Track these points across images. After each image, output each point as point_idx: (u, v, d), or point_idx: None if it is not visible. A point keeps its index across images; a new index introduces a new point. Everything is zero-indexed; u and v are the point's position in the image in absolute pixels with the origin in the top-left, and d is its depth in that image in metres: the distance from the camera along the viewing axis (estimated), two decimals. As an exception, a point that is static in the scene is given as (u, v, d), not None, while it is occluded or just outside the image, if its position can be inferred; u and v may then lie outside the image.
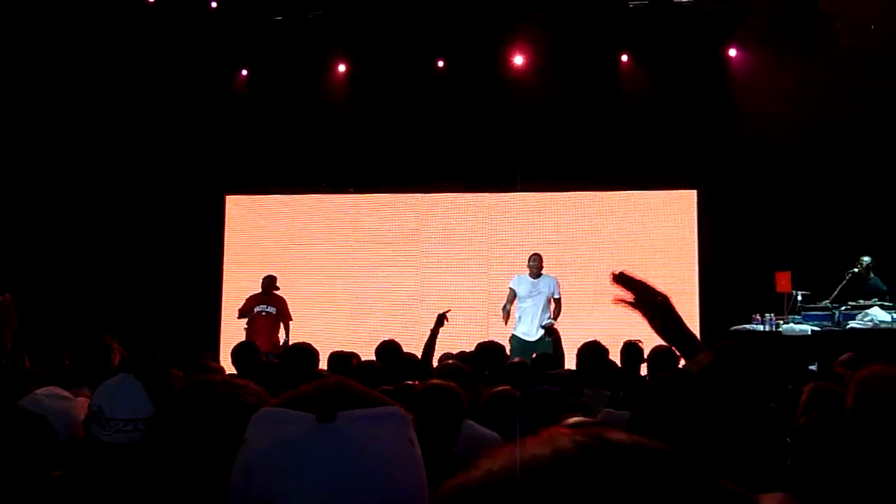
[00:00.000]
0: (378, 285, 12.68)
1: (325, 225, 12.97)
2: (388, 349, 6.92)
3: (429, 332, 7.23)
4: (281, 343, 10.91)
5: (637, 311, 2.21)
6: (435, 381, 3.97)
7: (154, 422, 1.66)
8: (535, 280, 10.42)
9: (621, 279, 2.20)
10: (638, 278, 2.22)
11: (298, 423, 1.11)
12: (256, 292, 11.40)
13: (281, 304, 11.33)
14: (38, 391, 3.10)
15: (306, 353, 6.17)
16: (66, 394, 3.12)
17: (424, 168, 12.67)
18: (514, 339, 10.28)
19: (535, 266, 10.48)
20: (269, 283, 11.38)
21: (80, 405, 3.06)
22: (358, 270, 12.78)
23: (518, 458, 0.73)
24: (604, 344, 6.20)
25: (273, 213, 13.17)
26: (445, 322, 7.33)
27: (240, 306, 11.40)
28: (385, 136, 12.76)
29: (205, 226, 13.03)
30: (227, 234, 13.21)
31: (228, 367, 6.51)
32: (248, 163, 13.09)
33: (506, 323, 10.42)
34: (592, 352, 6.11)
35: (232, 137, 13.02)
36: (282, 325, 11.27)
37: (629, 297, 2.21)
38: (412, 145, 12.68)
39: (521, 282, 10.49)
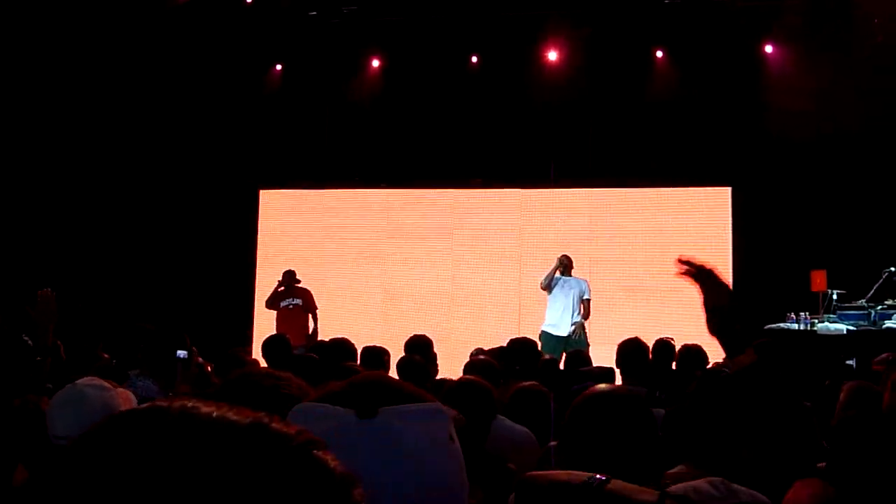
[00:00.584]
0: (410, 281, 12.68)
1: (357, 220, 12.99)
2: (419, 345, 6.85)
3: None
4: (310, 333, 10.99)
5: (699, 288, 2.21)
6: (467, 377, 4.04)
7: None
8: (566, 278, 10.65)
9: (690, 266, 2.22)
10: (708, 266, 2.23)
11: (339, 419, 1.09)
12: (280, 288, 11.51)
13: (305, 295, 11.41)
14: (79, 381, 3.12)
15: (343, 347, 6.42)
16: (105, 384, 3.13)
17: (457, 164, 12.64)
18: (544, 335, 10.34)
19: (566, 264, 10.70)
20: (290, 277, 11.48)
21: (123, 396, 3.11)
22: (389, 266, 12.79)
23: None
24: (642, 340, 6.16)
25: (306, 208, 13.21)
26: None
27: (267, 297, 11.55)
28: (418, 132, 12.78)
29: (238, 220, 13.08)
30: (260, 228, 13.26)
31: (262, 361, 6.43)
32: (281, 157, 13.17)
33: (545, 286, 10.62)
34: (633, 349, 6.11)
35: (266, 132, 13.09)
36: (310, 315, 11.35)
37: (693, 273, 2.22)
38: (445, 141, 12.67)
39: (555, 276, 10.69)
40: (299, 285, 11.46)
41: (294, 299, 11.32)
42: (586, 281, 10.77)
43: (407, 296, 12.66)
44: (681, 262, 2.25)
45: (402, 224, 12.86)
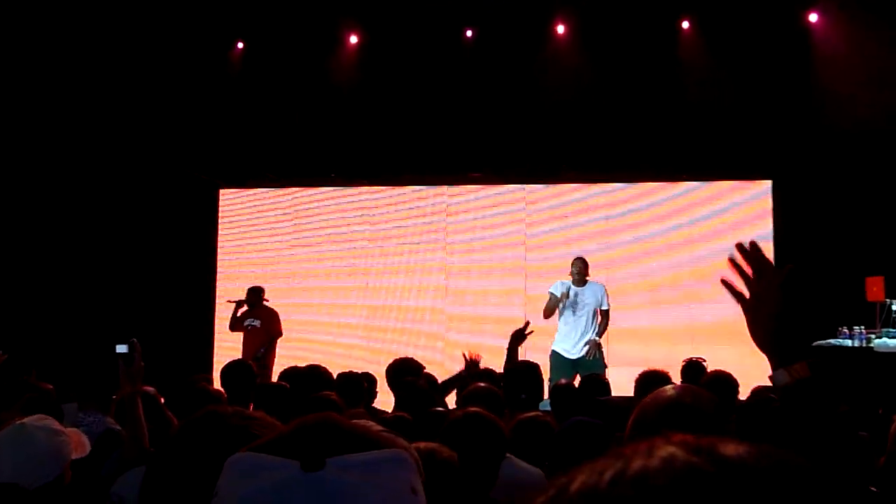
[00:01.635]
0: (396, 293, 12.67)
1: (334, 223, 13.01)
2: (405, 370, 6.84)
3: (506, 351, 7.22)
4: (258, 356, 10.95)
5: (747, 289, 2.19)
6: (472, 409, 3.97)
7: (157, 460, 1.66)
8: (580, 289, 10.30)
9: (745, 253, 2.19)
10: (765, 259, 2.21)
11: (279, 471, 1.08)
12: (243, 308, 11.56)
13: (268, 318, 11.41)
14: (29, 420, 3.15)
15: (317, 375, 6.38)
16: (56, 426, 3.18)
17: (451, 157, 12.58)
18: (554, 356, 10.21)
19: (579, 272, 10.34)
20: (255, 296, 11.51)
21: (75, 440, 3.21)
22: (373, 276, 12.78)
23: (617, 473, 0.73)
24: (664, 371, 6.19)
25: (274, 211, 13.21)
26: (526, 336, 7.33)
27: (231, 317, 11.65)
28: (405, 120, 12.68)
29: (195, 225, 13.05)
30: (220, 234, 13.21)
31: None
32: (244, 151, 13.05)
33: (546, 317, 10.28)
34: (651, 382, 5.98)
35: (225, 122, 12.97)
36: (269, 340, 11.32)
37: (744, 271, 2.19)
38: (436, 130, 12.59)
39: (563, 289, 10.30)
40: (266, 304, 11.52)
41: (254, 320, 11.39)
42: (603, 287, 10.48)
43: (393, 310, 12.63)
44: (740, 248, 2.19)
45: (386, 228, 12.86)
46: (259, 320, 11.33)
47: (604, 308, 10.35)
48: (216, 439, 1.57)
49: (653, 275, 12.11)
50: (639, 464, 0.73)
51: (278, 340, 11.40)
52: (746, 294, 2.17)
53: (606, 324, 10.37)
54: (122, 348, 4.49)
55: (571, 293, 10.26)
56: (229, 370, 6.56)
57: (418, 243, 12.77)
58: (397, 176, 12.86)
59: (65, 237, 12.86)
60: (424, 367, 7.15)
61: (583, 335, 10.20)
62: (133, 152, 12.94)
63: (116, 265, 12.88)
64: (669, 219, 12.28)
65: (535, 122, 12.41)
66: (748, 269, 2.18)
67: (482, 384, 5.87)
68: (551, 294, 10.30)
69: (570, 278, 10.41)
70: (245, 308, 11.49)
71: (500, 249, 12.59)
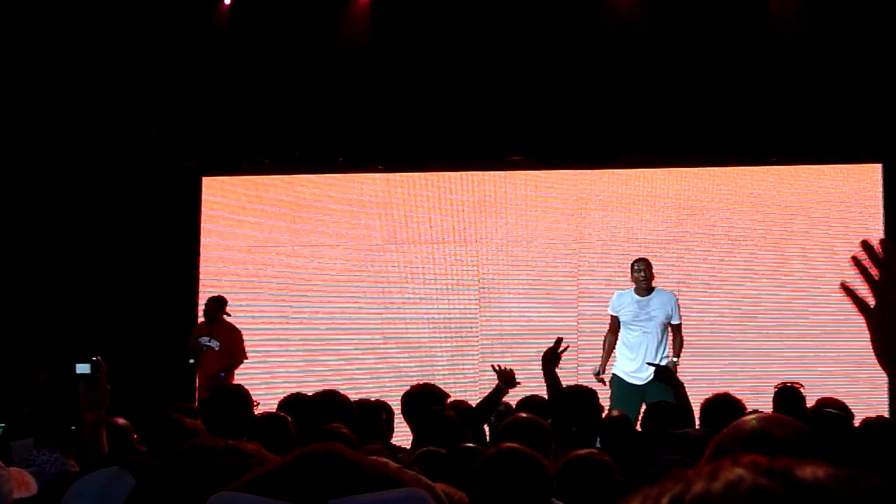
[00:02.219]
0: (416, 304, 12.67)
1: (342, 218, 12.99)
2: (427, 397, 6.82)
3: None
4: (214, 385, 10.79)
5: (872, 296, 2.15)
6: (509, 444, 4.00)
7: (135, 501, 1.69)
8: (644, 298, 10.22)
9: (872, 252, 2.14)
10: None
11: None
12: (203, 320, 11.60)
13: (228, 337, 11.42)
14: None
15: (327, 404, 6.38)
16: (-2, 464, 3.30)
17: (485, 137, 12.48)
18: (616, 382, 10.13)
19: (643, 277, 10.22)
20: (214, 307, 11.61)
21: (18, 480, 3.34)
22: (388, 280, 12.79)
23: (675, 497, 0.80)
24: (736, 397, 6.38)
25: (269, 202, 13.22)
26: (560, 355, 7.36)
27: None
28: (429, 92, 12.60)
29: (172, 221, 13.04)
30: (203, 233, 13.23)
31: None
32: (232, 132, 13.00)
33: (604, 363, 10.29)
34: (723, 410, 6.14)
35: (209, 96, 12.95)
36: (229, 363, 11.40)
37: (870, 274, 2.16)
38: (468, 105, 12.50)
39: (624, 301, 10.30)
40: (227, 319, 11.49)
41: (211, 339, 11.39)
42: (674, 296, 10.43)
43: (412, 324, 12.63)
44: (866, 247, 2.14)
45: (405, 223, 12.83)
46: (218, 342, 11.31)
47: (675, 322, 10.20)
48: (203, 480, 1.58)
49: (731, 276, 12.17)
50: (700, 487, 0.80)
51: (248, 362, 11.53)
52: (871, 302, 2.14)
53: (681, 342, 10.22)
54: (83, 368, 4.48)
55: (629, 310, 10.20)
56: (217, 399, 6.47)
57: (445, 241, 12.75)
58: (420, 161, 12.76)
59: (13, 240, 12.94)
60: (449, 396, 7.16)
61: (649, 349, 10.09)
62: (93, 131, 12.96)
63: (78, 270, 12.88)
64: (754, 210, 12.32)
65: (591, 97, 12.35)
66: (875, 273, 2.14)
67: (523, 414, 5.93)
68: (611, 314, 10.39)
69: (632, 285, 10.30)
70: (201, 321, 11.54)
71: (546, 248, 12.55)
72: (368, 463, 1.19)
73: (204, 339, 11.32)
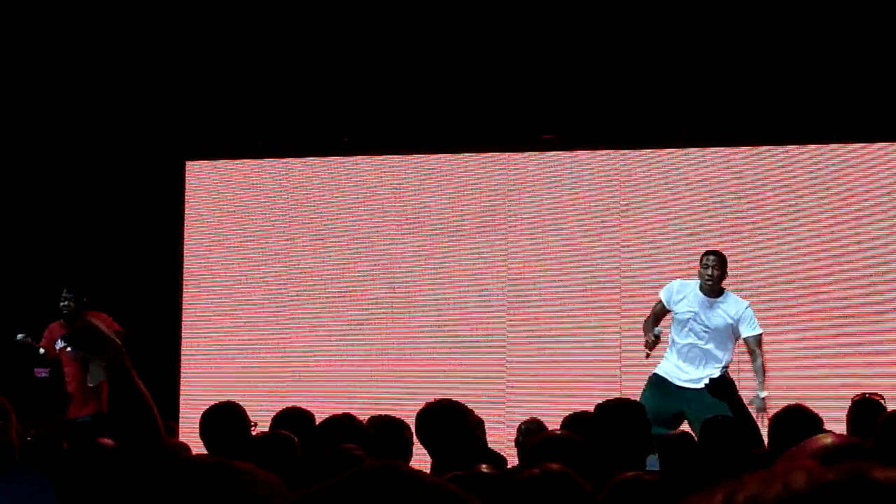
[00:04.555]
0: (432, 305, 12.71)
1: (346, 206, 13.06)
2: (446, 415, 6.82)
3: None
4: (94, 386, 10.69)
5: None
6: (548, 465, 4.10)
7: None
8: (712, 299, 9.98)
9: None
10: None
11: None
12: (57, 320, 11.37)
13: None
14: None
15: (341, 422, 6.54)
16: None
17: (513, 112, 12.46)
18: (654, 378, 10.00)
19: (715, 274, 9.96)
20: (75, 298, 11.39)
21: None
22: (400, 278, 12.85)
23: (738, 497, 0.90)
24: (811, 410, 6.45)
25: (262, 191, 13.36)
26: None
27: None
28: (446, 62, 12.57)
29: (151, 213, 13.14)
30: (186, 226, 13.37)
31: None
32: (219, 110, 13.09)
33: (649, 350, 10.06)
34: (795, 424, 6.25)
35: (192, 68, 13.03)
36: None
37: None
38: (491, 76, 12.46)
39: (685, 294, 10.06)
40: (89, 311, 11.29)
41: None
42: (748, 305, 10.11)
43: (427, 328, 12.67)
44: None
45: (419, 212, 12.94)
46: None
47: (752, 334, 9.98)
48: (196, 495, 1.74)
49: (787, 269, 12.16)
50: (755, 488, 0.92)
51: None
52: None
53: (763, 364, 10.03)
54: (41, 372, 4.90)
55: (688, 306, 9.98)
56: (211, 419, 6.79)
57: (465, 232, 12.79)
58: (436, 140, 12.82)
59: None
60: (472, 412, 7.14)
61: (707, 361, 9.92)
62: (83, 116, 13.24)
63: (48, 272, 13.02)
64: (815, 195, 12.31)
65: (635, 67, 12.31)
66: None
67: (558, 431, 6.33)
68: (661, 301, 10.23)
69: (699, 281, 10.10)
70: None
71: (584, 241, 12.55)
72: (433, 481, 1.24)
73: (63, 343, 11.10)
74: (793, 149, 12.37)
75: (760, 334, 10.00)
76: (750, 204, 12.33)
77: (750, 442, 6.78)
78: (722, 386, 7.67)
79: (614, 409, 6.65)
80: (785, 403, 7.00)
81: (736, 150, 12.43)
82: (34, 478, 5.19)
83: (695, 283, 10.07)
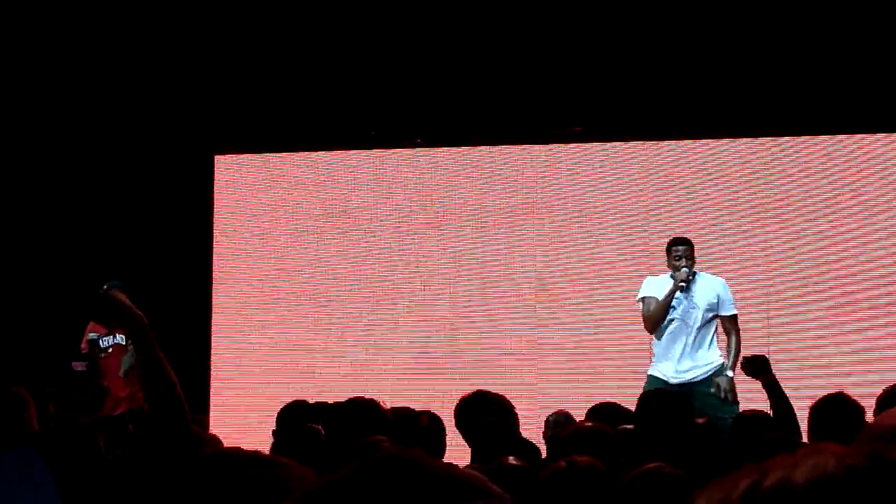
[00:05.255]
0: (461, 294, 12.73)
1: (373, 201, 13.09)
2: (484, 405, 6.84)
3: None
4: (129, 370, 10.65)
5: None
6: (575, 458, 4.15)
7: None
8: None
9: None
10: None
11: None
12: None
13: None
14: None
15: (363, 409, 6.63)
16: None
17: (541, 103, 12.44)
18: (652, 382, 9.81)
19: (690, 265, 9.94)
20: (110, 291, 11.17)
21: None
22: (427, 275, 12.84)
23: (767, 480, 0.91)
24: (853, 399, 6.32)
25: (290, 185, 13.38)
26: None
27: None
28: (473, 52, 12.52)
29: (180, 208, 13.15)
30: (216, 221, 13.42)
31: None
32: (248, 102, 13.09)
33: (655, 324, 10.04)
34: (836, 410, 6.16)
35: (220, 60, 13.04)
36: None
37: None
38: (520, 66, 12.43)
39: (662, 286, 10.03)
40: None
41: (116, 335, 11.15)
42: (723, 282, 10.16)
43: (458, 318, 12.71)
44: None
45: (447, 207, 12.92)
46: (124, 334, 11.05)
47: (727, 313, 9.96)
48: (229, 489, 1.75)
49: (816, 262, 12.09)
50: (780, 474, 0.94)
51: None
52: None
53: (738, 341, 9.96)
54: (78, 366, 4.95)
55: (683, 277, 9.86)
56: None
57: (493, 225, 12.78)
58: (464, 133, 12.82)
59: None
60: (513, 406, 7.13)
61: (687, 356, 9.89)
62: (110, 110, 13.26)
63: (73, 268, 13.11)
64: (853, 186, 12.20)
65: (669, 54, 12.25)
66: None
67: (589, 423, 6.30)
68: (644, 300, 10.11)
69: (669, 270, 10.07)
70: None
71: (613, 233, 12.54)
72: (452, 470, 1.24)
73: (105, 340, 11.06)
74: (829, 138, 12.38)
75: (736, 314, 10.05)
76: (775, 196, 12.32)
77: (786, 424, 6.80)
78: (756, 363, 7.66)
79: (656, 399, 6.66)
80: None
81: (767, 140, 12.44)
82: (28, 457, 5.26)
83: (665, 276, 10.12)
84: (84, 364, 4.38)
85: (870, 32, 12.12)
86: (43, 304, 12.94)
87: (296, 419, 7.39)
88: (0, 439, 5.25)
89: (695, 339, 9.91)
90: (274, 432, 7.59)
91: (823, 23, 12.13)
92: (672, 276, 9.88)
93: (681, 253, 9.98)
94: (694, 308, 9.92)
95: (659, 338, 10.07)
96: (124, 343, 11.04)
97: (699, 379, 9.73)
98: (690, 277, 9.87)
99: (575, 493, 3.91)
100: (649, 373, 10.04)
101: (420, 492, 1.19)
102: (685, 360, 9.88)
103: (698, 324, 9.92)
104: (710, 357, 9.85)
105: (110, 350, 11.06)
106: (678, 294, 9.90)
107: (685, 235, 10.43)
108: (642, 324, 10.27)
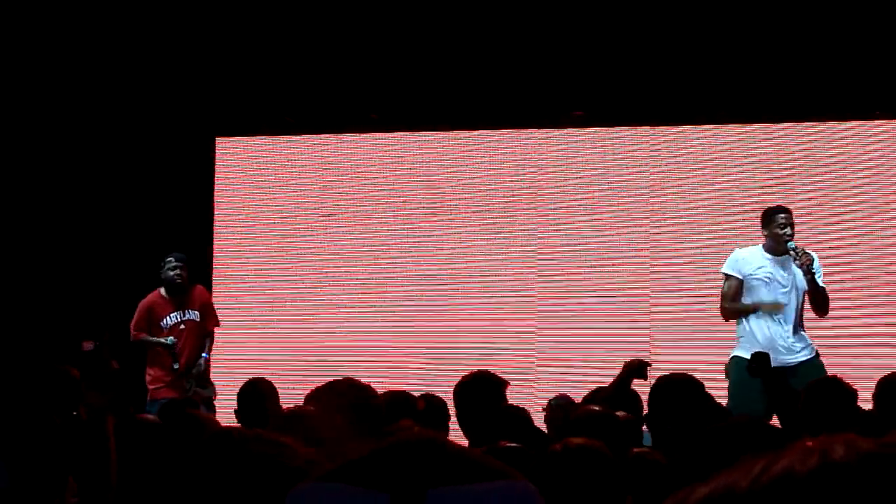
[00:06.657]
0: (469, 280, 12.68)
1: (375, 186, 13.09)
2: (479, 386, 6.94)
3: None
4: (202, 365, 10.67)
5: None
6: (579, 440, 4.17)
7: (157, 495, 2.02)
8: (781, 257, 9.31)
9: None
10: None
11: None
12: (154, 293, 10.90)
13: (205, 302, 11.09)
14: None
15: (397, 400, 6.64)
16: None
17: (542, 87, 12.41)
18: (734, 366, 9.26)
19: (781, 233, 9.26)
20: (175, 267, 11.00)
21: None
22: (427, 262, 12.85)
23: (772, 469, 0.89)
24: (846, 381, 6.44)
25: (292, 169, 13.41)
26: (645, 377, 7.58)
27: (133, 321, 10.65)
28: (474, 36, 12.47)
29: (180, 192, 13.10)
30: (216, 206, 13.43)
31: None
32: (249, 85, 13.09)
33: (732, 317, 9.54)
34: (829, 395, 6.27)
35: (221, 43, 12.98)
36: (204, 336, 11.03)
37: None
38: (521, 50, 12.39)
39: (752, 261, 9.42)
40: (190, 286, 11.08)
41: (188, 311, 10.91)
42: (813, 254, 9.33)
43: (453, 315, 12.68)
44: None
45: (448, 192, 12.92)
46: (198, 310, 10.92)
47: (819, 283, 9.28)
48: (232, 468, 1.72)
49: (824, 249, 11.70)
50: (784, 464, 0.92)
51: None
52: None
53: (825, 301, 9.40)
54: (88, 346, 4.84)
55: (759, 272, 9.32)
56: (247, 395, 7.30)
57: (494, 209, 12.77)
58: (465, 117, 12.77)
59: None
60: (508, 384, 7.22)
61: (787, 331, 9.26)
62: (113, 94, 13.16)
63: (76, 251, 13.15)
64: (859, 172, 12.14)
65: (671, 38, 12.18)
66: None
67: (595, 407, 6.21)
68: (728, 276, 9.49)
69: (763, 241, 9.52)
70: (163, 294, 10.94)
71: (614, 218, 12.48)
72: (469, 453, 1.29)
73: (175, 315, 10.75)
74: (835, 125, 12.28)
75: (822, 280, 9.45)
76: (780, 181, 12.21)
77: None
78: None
79: (670, 386, 6.50)
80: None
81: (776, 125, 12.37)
82: None
83: (758, 247, 9.55)
84: (93, 343, 4.40)
85: (876, 24, 11.97)
86: (46, 285, 12.96)
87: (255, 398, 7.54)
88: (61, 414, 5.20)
89: (795, 318, 9.33)
90: (236, 412, 7.71)
91: (822, 15, 12.02)
92: (793, 256, 9.11)
93: (784, 221, 9.31)
94: (795, 284, 9.34)
95: (756, 317, 9.31)
96: (199, 320, 10.89)
97: (806, 359, 9.25)
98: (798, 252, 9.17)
99: (576, 474, 3.89)
100: (735, 353, 9.32)
101: (441, 472, 1.21)
102: (783, 342, 9.22)
103: (798, 300, 9.39)
104: (793, 336, 9.31)
105: (182, 328, 10.77)
106: (775, 268, 9.30)
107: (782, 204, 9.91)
108: (720, 301, 9.65)
